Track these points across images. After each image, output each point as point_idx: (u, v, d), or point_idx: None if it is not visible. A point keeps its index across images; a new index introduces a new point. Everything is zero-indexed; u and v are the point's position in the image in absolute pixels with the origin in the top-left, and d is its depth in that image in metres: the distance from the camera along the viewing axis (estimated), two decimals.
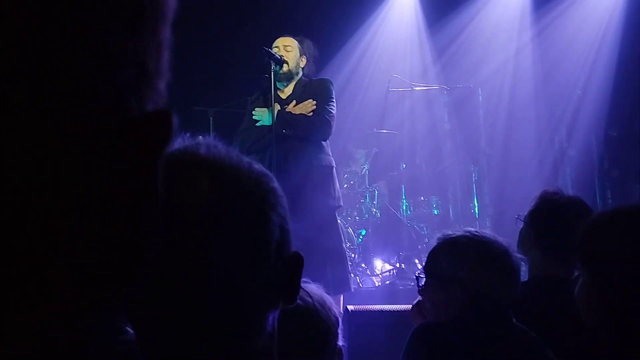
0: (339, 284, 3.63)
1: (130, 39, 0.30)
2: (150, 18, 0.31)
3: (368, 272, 5.10)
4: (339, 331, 1.34)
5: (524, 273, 1.98)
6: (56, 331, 0.29)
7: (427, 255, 1.72)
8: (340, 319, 1.35)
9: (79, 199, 0.29)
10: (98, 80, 0.29)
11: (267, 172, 0.72)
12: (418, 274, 1.73)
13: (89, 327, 0.31)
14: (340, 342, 1.35)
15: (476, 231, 1.65)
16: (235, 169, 0.69)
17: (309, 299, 1.31)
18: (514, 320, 1.62)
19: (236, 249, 0.66)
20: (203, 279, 0.65)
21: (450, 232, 1.69)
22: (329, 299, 1.35)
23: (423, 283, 1.70)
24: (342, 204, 3.89)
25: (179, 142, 0.71)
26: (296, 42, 3.74)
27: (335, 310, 1.34)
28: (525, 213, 2.08)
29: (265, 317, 0.71)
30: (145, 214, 0.32)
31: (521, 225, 2.08)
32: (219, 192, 0.67)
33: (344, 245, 3.98)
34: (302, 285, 1.38)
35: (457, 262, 1.60)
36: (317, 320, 1.27)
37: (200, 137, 0.72)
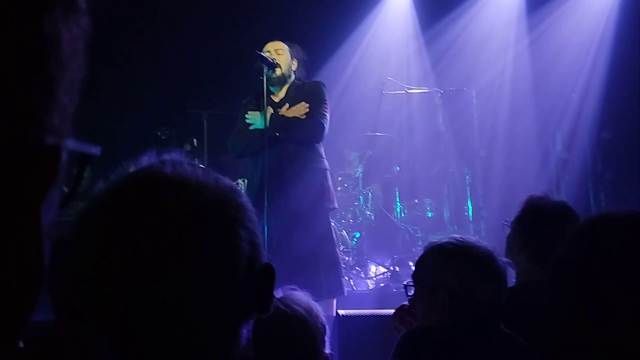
0: (332, 287, 3.64)
1: (7, 77, 0.29)
2: (34, 55, 0.30)
3: (362, 274, 5.11)
4: (326, 338, 1.35)
5: (513, 278, 1.98)
6: None
7: (415, 263, 1.73)
8: (327, 327, 1.36)
9: None
10: None
11: (236, 187, 0.73)
12: (407, 283, 1.74)
13: None
14: (327, 350, 1.35)
15: (461, 237, 1.66)
16: (201, 187, 0.69)
17: (297, 307, 1.31)
18: (502, 326, 1.63)
19: (204, 267, 0.67)
20: (172, 298, 0.66)
21: (436, 240, 1.70)
22: (316, 307, 1.36)
23: (412, 291, 1.71)
24: (336, 206, 3.90)
25: (145, 160, 0.71)
26: (286, 46, 3.75)
27: (323, 318, 1.35)
28: (513, 218, 2.09)
29: (238, 332, 0.71)
30: (23, 258, 0.31)
31: (509, 230, 2.09)
32: (184, 211, 0.67)
33: (337, 248, 3.99)
34: (289, 293, 1.39)
35: (443, 269, 1.62)
36: (305, 328, 1.28)
37: (166, 155, 0.72)
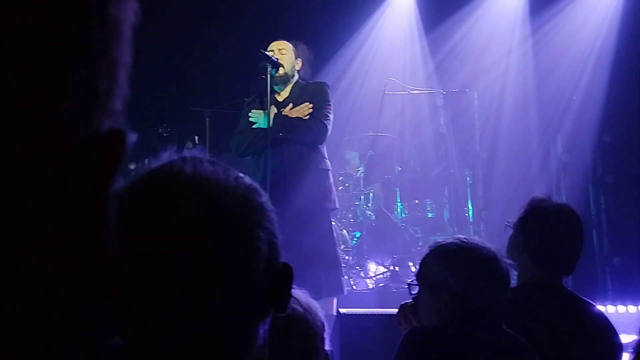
0: (332, 286, 3.65)
1: (77, 63, 0.29)
2: (100, 39, 0.30)
3: (362, 274, 5.12)
4: (326, 335, 1.36)
5: (514, 279, 2.00)
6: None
7: (419, 262, 1.74)
8: (325, 324, 1.37)
9: (23, 228, 0.28)
10: (40, 109, 0.28)
11: (256, 186, 0.72)
12: (410, 281, 1.75)
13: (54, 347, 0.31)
14: (327, 347, 1.36)
15: (465, 238, 1.68)
16: (220, 189, 0.68)
17: (296, 306, 1.32)
18: (504, 326, 1.64)
19: (222, 271, 0.67)
20: (189, 299, 0.66)
21: (440, 240, 1.71)
22: (314, 304, 1.36)
23: (415, 290, 1.72)
24: (337, 206, 3.91)
25: (165, 157, 0.71)
26: (291, 45, 3.76)
27: (321, 315, 1.35)
28: (515, 220, 2.10)
29: (255, 331, 0.72)
30: (94, 242, 0.31)
31: (510, 231, 2.10)
32: (204, 213, 0.67)
33: (338, 247, 3.99)
34: None
35: (446, 269, 1.63)
36: (305, 326, 1.28)
37: (188, 151, 0.72)
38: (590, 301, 2.06)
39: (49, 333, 0.31)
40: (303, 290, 1.36)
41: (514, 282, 1.98)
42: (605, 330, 1.97)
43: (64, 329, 0.31)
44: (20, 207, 0.28)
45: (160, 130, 5.77)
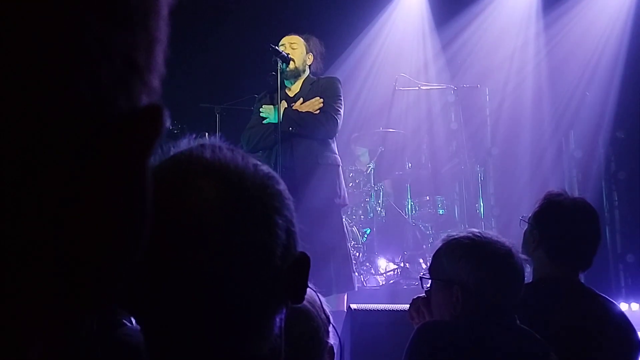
0: (343, 282, 3.64)
1: (116, 32, 0.29)
2: (139, 11, 0.30)
3: (372, 271, 5.10)
4: (330, 329, 1.34)
5: (528, 274, 1.97)
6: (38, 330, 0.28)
7: (431, 255, 1.72)
8: (330, 318, 1.35)
9: (61, 198, 0.28)
10: (78, 74, 0.27)
11: (274, 174, 0.72)
12: (422, 274, 1.73)
13: (74, 325, 0.30)
14: (330, 341, 1.35)
15: (479, 232, 1.65)
16: (240, 174, 0.68)
17: None
18: (518, 321, 1.62)
19: (241, 256, 0.66)
20: (207, 285, 0.65)
21: (454, 233, 1.69)
22: (319, 298, 1.35)
23: (428, 284, 1.70)
24: (347, 202, 3.90)
25: (185, 144, 0.71)
26: (302, 39, 3.74)
27: (326, 309, 1.34)
28: (530, 214, 2.08)
29: (272, 320, 0.71)
30: (132, 213, 0.31)
31: (525, 226, 2.08)
32: (223, 198, 0.66)
33: (348, 244, 3.98)
34: None
35: (458, 263, 1.61)
36: (308, 319, 1.27)
37: (206, 138, 0.72)
38: (608, 297, 2.03)
39: (66, 323, 0.30)
40: (309, 284, 1.35)
41: (528, 277, 1.95)
42: (624, 327, 1.94)
43: (82, 320, 0.31)
44: (56, 172, 0.27)
45: (171, 127, 5.78)
